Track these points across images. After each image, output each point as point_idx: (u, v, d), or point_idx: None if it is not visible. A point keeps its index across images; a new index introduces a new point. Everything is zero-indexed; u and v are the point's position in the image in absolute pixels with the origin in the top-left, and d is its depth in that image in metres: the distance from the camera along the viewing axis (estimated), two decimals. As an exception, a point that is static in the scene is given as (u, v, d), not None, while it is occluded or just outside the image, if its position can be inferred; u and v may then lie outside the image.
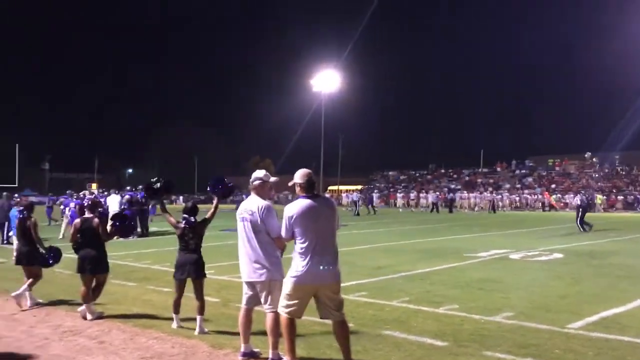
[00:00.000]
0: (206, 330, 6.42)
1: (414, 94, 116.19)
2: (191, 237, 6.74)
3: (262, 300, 5.24)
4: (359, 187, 68.12)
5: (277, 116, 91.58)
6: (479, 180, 68.19)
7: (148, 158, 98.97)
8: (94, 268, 7.22)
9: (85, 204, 7.88)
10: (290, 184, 5.28)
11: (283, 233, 5.06)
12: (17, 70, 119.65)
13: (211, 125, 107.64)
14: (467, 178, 70.43)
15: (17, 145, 69.44)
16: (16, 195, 28.23)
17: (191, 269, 6.63)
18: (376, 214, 37.79)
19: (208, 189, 7.04)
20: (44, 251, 8.21)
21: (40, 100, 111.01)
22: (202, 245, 6.88)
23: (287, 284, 4.97)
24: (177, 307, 6.72)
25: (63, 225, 19.70)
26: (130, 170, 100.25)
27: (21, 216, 8.36)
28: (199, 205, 7.51)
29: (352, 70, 74.22)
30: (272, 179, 5.63)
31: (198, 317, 6.47)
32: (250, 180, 5.48)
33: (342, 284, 9.25)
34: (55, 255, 8.32)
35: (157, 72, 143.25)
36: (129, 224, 8.06)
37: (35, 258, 8.19)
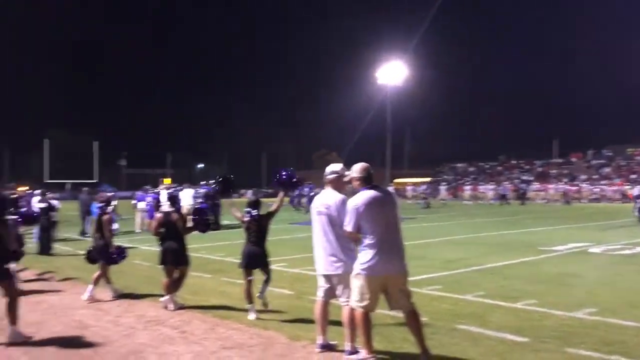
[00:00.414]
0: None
1: (483, 84, 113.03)
2: (255, 229, 7.02)
3: (339, 293, 5.28)
4: (427, 179, 67.25)
5: (342, 109, 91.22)
6: (553, 171, 65.87)
7: (217, 153, 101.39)
8: (176, 260, 7.49)
9: (166, 198, 8.10)
10: (346, 178, 5.35)
11: (348, 226, 5.09)
12: (93, 71, 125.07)
13: (278, 120, 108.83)
14: (539, 169, 68.20)
15: (96, 143, 73.11)
16: (100, 189, 29.54)
17: (257, 260, 7.01)
18: (429, 208, 36.55)
19: (274, 181, 7.21)
20: (111, 249, 8.44)
21: (116, 99, 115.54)
22: (267, 237, 7.17)
23: (358, 278, 5.00)
24: (249, 297, 6.97)
25: (138, 220, 20.48)
26: (200, 165, 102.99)
27: (100, 211, 8.64)
28: (267, 199, 7.72)
29: (419, 62, 72.84)
30: (348, 172, 5.66)
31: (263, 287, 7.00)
32: (325, 173, 5.52)
33: (413, 278, 9.25)
34: (119, 254, 8.57)
35: (226, 69, 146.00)
36: (206, 218, 8.26)
37: (103, 254, 8.37)
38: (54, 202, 14.92)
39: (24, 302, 7.96)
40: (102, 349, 5.73)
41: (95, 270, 8.42)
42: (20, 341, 6.02)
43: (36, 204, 12.89)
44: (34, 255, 12.81)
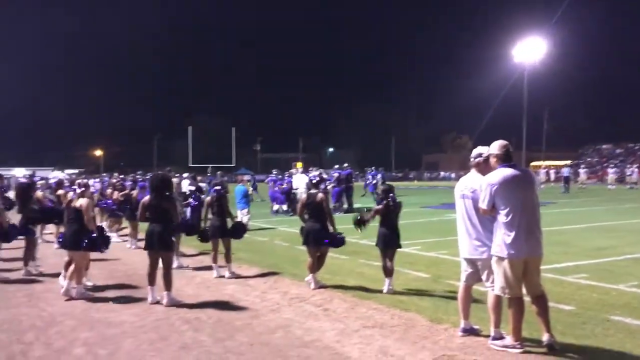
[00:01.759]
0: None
1: (629, 59, 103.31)
2: (391, 214, 7.50)
3: (484, 278, 5.21)
4: (567, 162, 63.20)
5: (473, 90, 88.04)
6: None
7: (347, 137, 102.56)
8: (317, 240, 7.77)
9: (314, 181, 8.37)
10: (484, 155, 5.23)
11: (483, 203, 4.99)
12: (230, 60, 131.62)
13: (407, 102, 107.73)
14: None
15: (233, 128, 77.08)
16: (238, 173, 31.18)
17: (388, 240, 7.40)
18: (569, 192, 33.77)
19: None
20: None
21: (251, 85, 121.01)
22: (398, 221, 7.60)
23: (500, 263, 4.90)
24: (386, 271, 7.40)
25: (272, 203, 21.36)
26: (331, 149, 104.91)
27: (216, 194, 9.05)
28: (396, 183, 7.90)
29: (560, 36, 68.21)
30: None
31: (387, 280, 7.33)
32: (472, 156, 5.43)
33: (556, 265, 8.85)
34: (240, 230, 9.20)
35: (356, 55, 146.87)
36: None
37: (224, 232, 8.92)
38: (202, 185, 16.05)
39: (180, 276, 8.76)
40: (253, 322, 6.13)
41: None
42: (176, 304, 6.85)
43: (186, 186, 13.90)
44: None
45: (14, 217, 9.52)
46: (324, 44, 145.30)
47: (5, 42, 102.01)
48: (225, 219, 8.93)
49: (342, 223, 9.21)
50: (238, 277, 8.62)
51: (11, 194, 11.42)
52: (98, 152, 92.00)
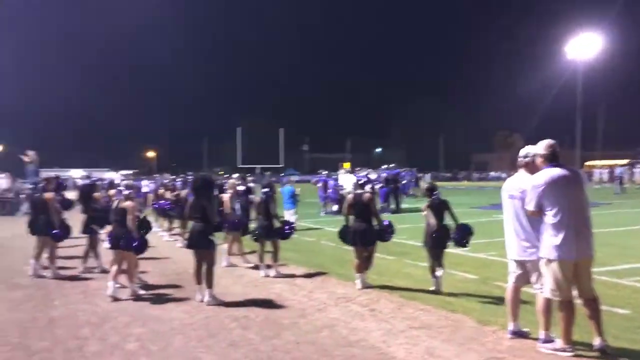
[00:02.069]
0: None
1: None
2: (434, 213, 7.50)
3: (533, 279, 5.11)
4: (624, 162, 60.96)
5: (524, 88, 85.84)
6: None
7: (395, 137, 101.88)
8: (364, 240, 7.78)
9: (356, 181, 8.40)
10: (531, 155, 5.14)
11: (529, 205, 4.89)
12: (276, 63, 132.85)
13: (456, 101, 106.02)
14: None
15: (281, 129, 77.84)
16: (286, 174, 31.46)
17: (435, 239, 7.44)
18: (625, 193, 32.29)
19: None
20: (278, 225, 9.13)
21: (299, 86, 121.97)
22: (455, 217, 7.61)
23: (549, 265, 4.80)
24: (433, 271, 7.42)
25: (321, 203, 21.48)
26: (378, 150, 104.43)
27: (265, 196, 9.14)
28: (444, 183, 7.89)
29: (615, 33, 65.79)
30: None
31: (438, 272, 7.33)
32: (520, 155, 5.33)
33: (612, 267, 8.58)
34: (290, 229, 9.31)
35: (402, 52, 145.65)
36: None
37: (272, 232, 9.02)
38: (251, 185, 16.27)
39: (228, 275, 8.93)
40: (300, 321, 6.20)
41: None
42: (216, 304, 6.97)
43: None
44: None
45: (73, 216, 9.90)
46: (373, 43, 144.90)
47: (62, 44, 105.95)
48: (272, 220, 9.03)
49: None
50: (285, 276, 8.71)
51: (70, 195, 11.87)
52: (151, 154, 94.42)
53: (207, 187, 7.63)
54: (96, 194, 10.27)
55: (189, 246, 7.47)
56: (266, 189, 9.16)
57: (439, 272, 7.35)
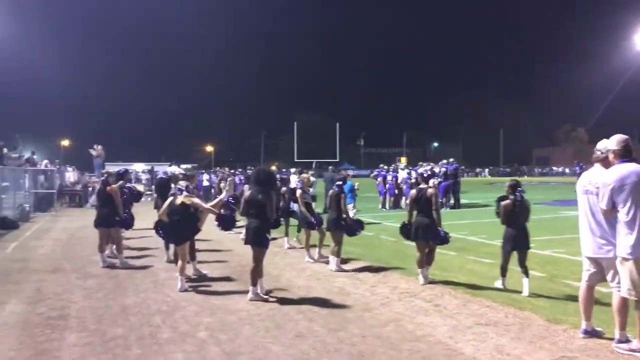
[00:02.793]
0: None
1: None
2: (518, 212, 7.22)
3: (609, 278, 4.94)
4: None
5: (587, 81, 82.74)
6: None
7: (452, 131, 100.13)
8: (426, 235, 7.72)
9: (418, 175, 8.33)
10: (605, 150, 4.94)
11: (602, 203, 4.75)
12: (334, 56, 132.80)
13: (515, 94, 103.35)
14: None
15: (337, 123, 77.85)
16: (341, 168, 31.53)
17: (518, 241, 7.18)
18: None
19: None
20: (345, 222, 9.05)
21: (354, 80, 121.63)
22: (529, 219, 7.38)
23: (624, 264, 4.65)
24: (526, 273, 7.14)
25: (380, 198, 21.44)
26: (436, 144, 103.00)
27: (337, 189, 9.24)
28: (503, 178, 7.72)
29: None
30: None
31: (524, 280, 7.07)
32: (597, 149, 5.15)
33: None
34: (357, 227, 9.32)
35: (459, 43, 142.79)
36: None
37: (337, 225, 9.03)
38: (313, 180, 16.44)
39: (290, 268, 9.05)
40: (364, 314, 6.23)
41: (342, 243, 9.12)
42: (259, 300, 6.89)
43: (294, 182, 14.28)
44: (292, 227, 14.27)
45: (141, 207, 10.28)
46: (431, 36, 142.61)
47: (125, 43, 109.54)
48: (341, 213, 9.06)
49: (449, 219, 9.10)
50: (347, 271, 8.74)
51: (138, 187, 12.38)
52: (209, 148, 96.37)
53: (268, 182, 7.33)
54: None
55: (246, 242, 7.29)
56: (339, 182, 9.26)
57: (525, 280, 7.04)
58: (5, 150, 19.48)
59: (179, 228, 7.80)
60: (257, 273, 7.05)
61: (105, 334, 5.60)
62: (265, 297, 7.01)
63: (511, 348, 5.00)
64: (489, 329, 5.59)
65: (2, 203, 16.54)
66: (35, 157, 25.83)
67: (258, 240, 7.01)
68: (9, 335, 5.61)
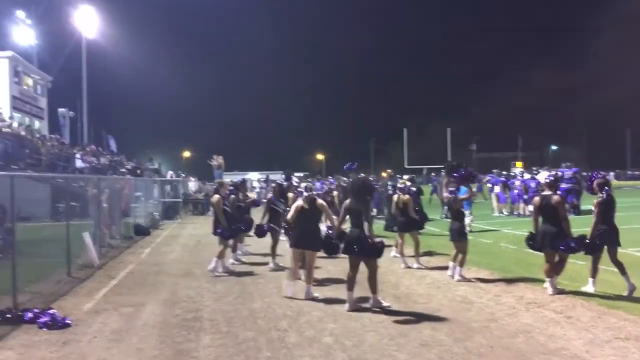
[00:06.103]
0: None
1: None
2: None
3: None
4: None
5: None
6: None
7: (572, 133, 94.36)
8: (555, 244, 7.35)
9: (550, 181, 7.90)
10: None
11: None
12: (443, 62, 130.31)
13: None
14: None
15: (448, 129, 76.34)
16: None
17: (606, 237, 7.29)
18: None
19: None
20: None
21: (465, 84, 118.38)
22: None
23: None
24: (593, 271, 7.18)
25: (494, 203, 20.68)
26: (554, 147, 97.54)
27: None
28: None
29: None
30: None
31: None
32: None
33: None
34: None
35: (589, 38, 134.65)
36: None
37: (461, 235, 8.83)
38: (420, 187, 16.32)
39: (410, 276, 8.99)
40: (491, 325, 6.05)
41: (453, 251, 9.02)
42: (380, 307, 6.88)
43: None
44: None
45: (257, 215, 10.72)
46: (546, 35, 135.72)
47: (240, 57, 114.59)
48: (463, 224, 9.15)
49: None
50: (468, 279, 8.54)
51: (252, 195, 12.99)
52: (320, 156, 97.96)
53: (365, 191, 7.20)
54: (290, 195, 11.15)
55: (345, 251, 7.15)
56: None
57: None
58: (141, 165, 21.08)
59: (315, 234, 7.73)
60: (374, 281, 7.02)
61: (237, 337, 5.87)
62: (387, 304, 7.02)
63: (657, 365, 4.66)
64: (630, 343, 5.24)
65: (135, 211, 17.90)
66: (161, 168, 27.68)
67: (364, 251, 6.89)
68: (151, 335, 6.04)
